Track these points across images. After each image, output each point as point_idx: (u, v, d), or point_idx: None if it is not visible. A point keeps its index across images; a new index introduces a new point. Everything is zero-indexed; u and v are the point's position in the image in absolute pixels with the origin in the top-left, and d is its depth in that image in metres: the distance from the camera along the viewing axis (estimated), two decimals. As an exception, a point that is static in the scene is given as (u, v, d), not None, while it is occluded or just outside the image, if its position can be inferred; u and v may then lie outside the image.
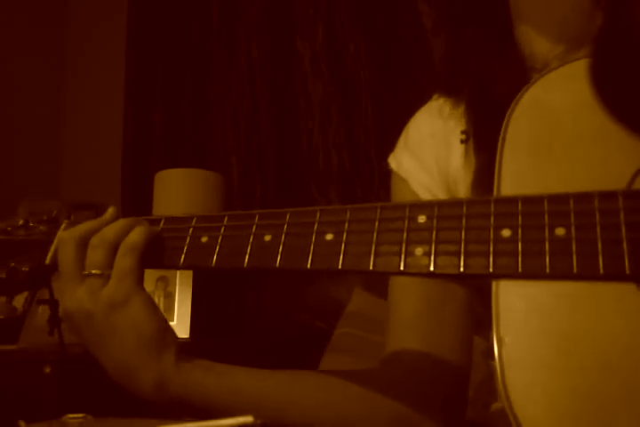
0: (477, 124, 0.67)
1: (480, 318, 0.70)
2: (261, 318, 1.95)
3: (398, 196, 0.75)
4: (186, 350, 0.60)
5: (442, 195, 0.71)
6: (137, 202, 2.32)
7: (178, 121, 2.38)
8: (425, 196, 0.72)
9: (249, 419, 0.83)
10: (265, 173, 2.16)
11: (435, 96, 0.76)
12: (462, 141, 0.70)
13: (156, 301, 0.61)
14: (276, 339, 1.74)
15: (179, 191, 1.87)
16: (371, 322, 1.36)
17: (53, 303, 1.23)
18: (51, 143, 2.59)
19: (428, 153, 0.73)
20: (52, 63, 2.62)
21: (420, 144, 0.74)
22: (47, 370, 1.32)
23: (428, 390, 0.66)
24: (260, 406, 0.60)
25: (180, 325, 1.67)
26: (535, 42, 0.67)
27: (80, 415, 0.91)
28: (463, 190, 0.69)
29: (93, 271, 0.57)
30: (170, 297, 1.65)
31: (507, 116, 0.50)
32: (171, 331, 0.59)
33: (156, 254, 0.57)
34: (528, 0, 0.67)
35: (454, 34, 0.72)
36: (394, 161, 0.76)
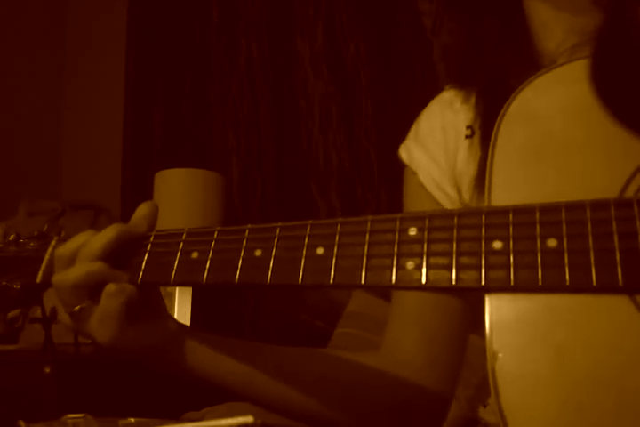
0: (486, 113, 0.67)
1: (478, 318, 0.70)
2: (261, 317, 1.95)
3: (407, 187, 0.77)
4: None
5: (448, 187, 0.72)
6: (137, 202, 2.30)
7: (178, 121, 2.38)
8: (432, 187, 0.73)
9: (249, 419, 0.83)
10: (265, 173, 2.15)
11: (447, 87, 0.76)
12: (467, 137, 0.71)
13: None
14: (276, 339, 1.74)
15: (179, 191, 1.87)
16: (371, 322, 1.36)
17: (46, 322, 1.23)
18: (51, 143, 2.59)
19: (438, 145, 0.74)
20: (52, 63, 2.62)
21: (430, 136, 0.75)
22: (47, 370, 1.32)
23: (421, 382, 0.68)
24: (250, 382, 0.61)
25: (180, 325, 1.67)
26: (547, 32, 0.66)
27: (80, 415, 0.91)
28: (467, 183, 0.70)
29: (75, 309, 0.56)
30: (170, 297, 1.65)
31: (496, 122, 0.49)
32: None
33: (146, 272, 0.56)
34: None
35: (471, 22, 0.72)
36: (404, 152, 0.77)
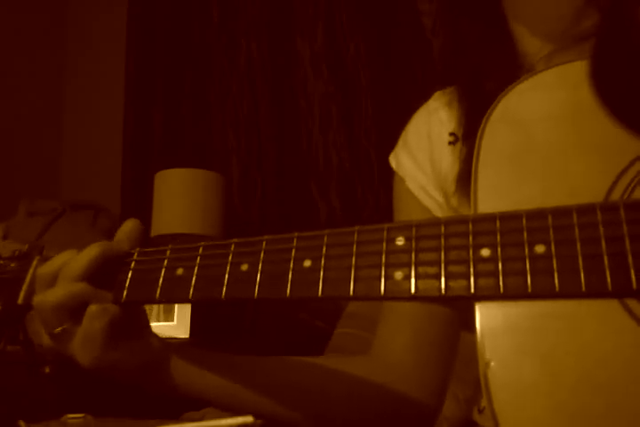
0: (469, 113, 0.67)
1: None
2: (261, 317, 1.96)
3: (397, 194, 0.77)
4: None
5: (435, 192, 0.72)
6: (137, 202, 2.32)
7: (178, 121, 2.38)
8: (419, 193, 0.73)
9: (249, 419, 0.83)
10: (265, 173, 2.16)
11: (434, 95, 0.77)
12: (450, 143, 0.71)
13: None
14: (276, 339, 1.74)
15: (179, 191, 1.87)
16: (371, 322, 1.36)
17: (28, 344, 1.23)
18: (51, 143, 2.59)
19: (424, 152, 0.74)
20: (52, 63, 2.62)
21: (417, 144, 0.75)
22: (47, 370, 1.32)
23: (410, 385, 0.68)
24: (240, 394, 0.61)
25: (180, 325, 1.67)
26: (525, 39, 0.67)
27: (80, 415, 0.91)
28: (450, 184, 0.70)
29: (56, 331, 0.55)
30: (170, 297, 1.65)
31: (480, 127, 0.49)
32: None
33: (131, 291, 0.55)
34: None
35: (453, 24, 0.72)
36: (394, 160, 0.78)
